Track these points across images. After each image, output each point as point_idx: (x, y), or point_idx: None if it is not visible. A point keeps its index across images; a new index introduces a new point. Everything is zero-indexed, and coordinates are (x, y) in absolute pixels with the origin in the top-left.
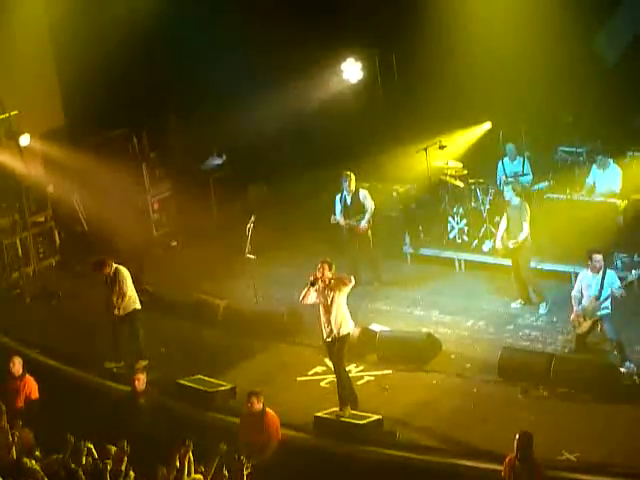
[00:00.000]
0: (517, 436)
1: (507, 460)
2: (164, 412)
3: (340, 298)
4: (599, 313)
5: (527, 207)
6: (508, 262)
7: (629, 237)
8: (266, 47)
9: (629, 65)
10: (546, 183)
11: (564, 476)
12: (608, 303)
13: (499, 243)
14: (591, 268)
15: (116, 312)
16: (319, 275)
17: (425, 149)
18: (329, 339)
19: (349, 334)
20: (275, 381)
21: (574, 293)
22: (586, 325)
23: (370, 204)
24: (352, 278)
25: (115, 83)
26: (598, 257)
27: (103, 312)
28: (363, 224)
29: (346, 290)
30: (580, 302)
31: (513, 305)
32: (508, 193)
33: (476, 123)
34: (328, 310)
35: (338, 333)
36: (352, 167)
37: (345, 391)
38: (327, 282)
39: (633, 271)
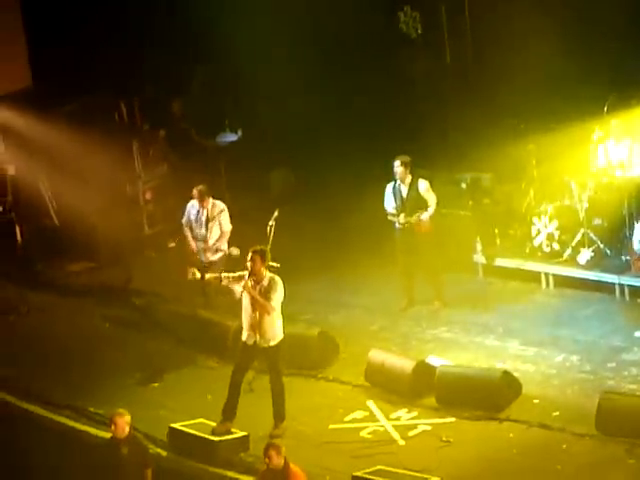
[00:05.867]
0: None
1: None
2: (153, 465)
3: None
4: None
5: None
6: (611, 278)
7: None
8: None
9: None
10: None
11: None
12: None
13: (637, 246)
14: None
15: (208, 255)
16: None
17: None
18: (251, 344)
19: (281, 342)
20: (302, 429)
21: None
22: None
23: (433, 198)
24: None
25: (100, 33)
26: None
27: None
28: (425, 217)
29: (277, 298)
30: None
31: (638, 334)
32: None
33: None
34: (253, 312)
35: (266, 342)
36: (408, 150)
37: (281, 407)
38: (257, 279)
39: None
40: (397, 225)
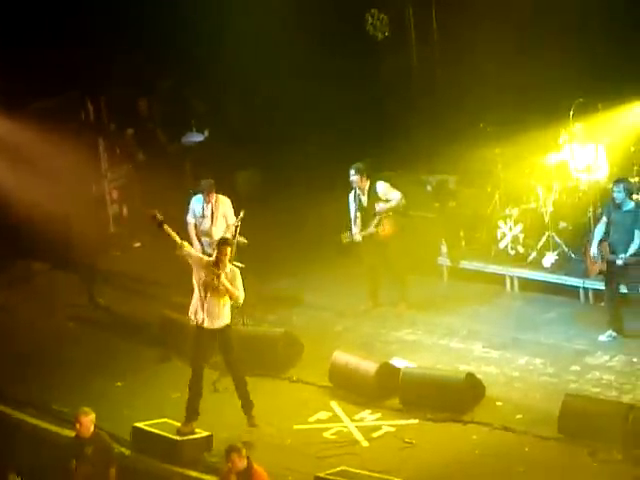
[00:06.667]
0: None
1: None
2: (117, 465)
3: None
4: None
5: None
6: (576, 282)
7: None
8: None
9: None
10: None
11: None
12: None
13: (595, 251)
14: None
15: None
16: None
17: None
18: (204, 326)
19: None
20: (265, 430)
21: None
22: None
23: (396, 194)
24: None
25: (67, 33)
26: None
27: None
28: (381, 206)
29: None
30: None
31: (602, 338)
32: (619, 194)
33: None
34: (211, 294)
35: (220, 324)
36: (373, 152)
37: (246, 392)
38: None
39: None
40: (359, 238)
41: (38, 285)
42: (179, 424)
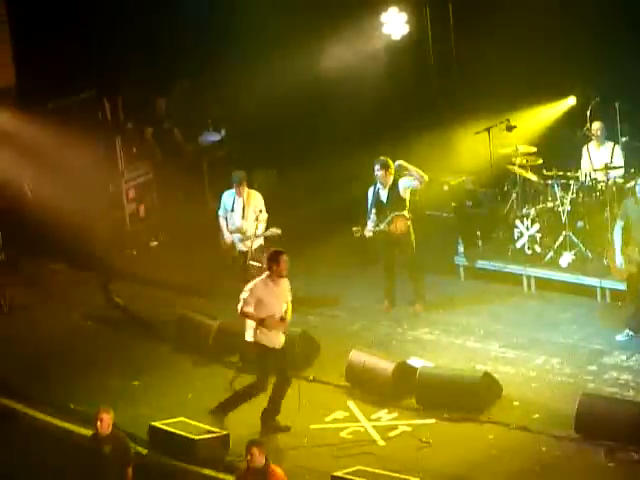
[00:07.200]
0: None
1: None
2: (134, 463)
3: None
4: None
5: None
6: (593, 281)
7: None
8: None
9: None
10: None
11: None
12: None
13: (619, 259)
14: None
15: (249, 245)
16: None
17: (488, 130)
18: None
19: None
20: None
21: None
22: None
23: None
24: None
25: (84, 32)
26: None
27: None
28: (400, 163)
29: None
30: None
31: (619, 337)
32: None
33: (558, 97)
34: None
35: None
36: (389, 152)
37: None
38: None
39: None
40: (372, 232)
41: (55, 284)
42: (196, 423)
